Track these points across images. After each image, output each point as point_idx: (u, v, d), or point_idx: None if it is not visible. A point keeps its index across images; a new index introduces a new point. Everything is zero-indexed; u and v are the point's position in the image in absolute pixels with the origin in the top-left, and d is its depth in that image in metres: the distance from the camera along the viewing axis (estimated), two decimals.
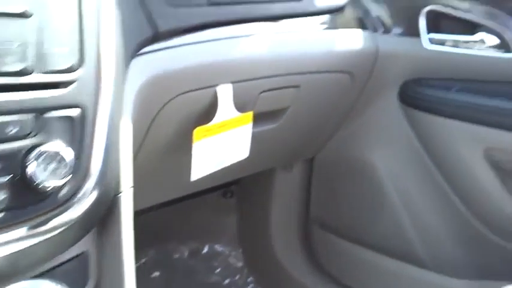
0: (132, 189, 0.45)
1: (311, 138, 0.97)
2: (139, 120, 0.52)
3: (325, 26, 0.83)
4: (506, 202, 0.81)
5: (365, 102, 0.94)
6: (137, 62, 0.50)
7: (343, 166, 1.03)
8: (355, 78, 0.88)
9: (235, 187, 1.16)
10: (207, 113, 0.64)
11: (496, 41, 0.78)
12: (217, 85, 0.63)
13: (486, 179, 0.81)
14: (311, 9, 0.78)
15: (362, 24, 0.88)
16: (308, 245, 1.15)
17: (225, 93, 0.64)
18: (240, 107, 0.68)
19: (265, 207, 1.13)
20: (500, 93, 0.79)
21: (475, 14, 0.79)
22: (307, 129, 0.92)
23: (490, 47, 0.78)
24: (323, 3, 0.81)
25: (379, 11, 0.89)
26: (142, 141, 0.58)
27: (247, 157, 0.75)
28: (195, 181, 0.66)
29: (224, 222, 1.18)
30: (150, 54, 0.52)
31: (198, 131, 0.61)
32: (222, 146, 0.67)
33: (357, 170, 1.00)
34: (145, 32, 0.52)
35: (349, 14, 0.87)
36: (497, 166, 0.80)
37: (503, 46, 0.77)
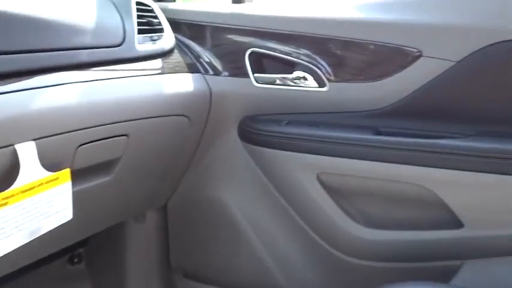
0: None
1: (157, 184, 0.93)
2: None
3: (153, 70, 0.81)
4: (343, 221, 0.87)
5: (208, 143, 0.94)
6: None
7: (196, 209, 1.01)
8: (193, 120, 0.87)
9: (83, 250, 1.04)
10: (7, 176, 0.55)
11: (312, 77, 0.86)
12: (14, 144, 0.55)
13: (323, 202, 0.87)
14: (133, 54, 0.76)
15: (192, 67, 0.89)
16: None
17: (27, 152, 0.56)
18: (53, 164, 0.61)
19: (120, 266, 1.04)
20: (322, 123, 0.86)
21: (290, 54, 0.86)
22: (149, 176, 0.88)
23: (310, 82, 0.86)
24: (147, 48, 0.80)
25: (207, 54, 0.91)
26: None
27: (85, 216, 0.68)
28: (20, 254, 0.56)
29: None
30: None
31: None
32: (32, 212, 0.59)
33: (210, 210, 0.99)
34: None
35: (177, 58, 0.87)
36: (330, 189, 0.87)
37: (318, 81, 0.85)
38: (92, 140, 0.66)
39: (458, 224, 0.78)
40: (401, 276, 0.86)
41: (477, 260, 0.80)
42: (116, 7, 0.76)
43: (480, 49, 0.73)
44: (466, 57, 0.73)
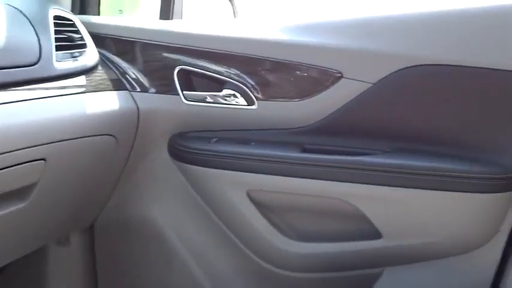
0: None
1: (81, 206, 0.89)
2: None
3: (74, 89, 0.77)
4: (273, 236, 0.89)
5: (136, 161, 0.92)
6: None
7: (125, 228, 0.98)
8: (120, 139, 0.84)
9: None
10: None
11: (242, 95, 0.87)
12: None
13: (254, 218, 0.88)
14: (50, 73, 0.71)
15: (118, 84, 0.86)
16: None
17: None
18: None
19: None
20: (251, 141, 0.88)
21: (219, 72, 0.86)
22: (72, 199, 0.83)
23: (239, 100, 0.87)
24: (67, 66, 0.76)
25: (134, 71, 0.89)
26: None
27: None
28: None
29: None
30: None
31: None
32: None
33: (140, 229, 0.96)
34: None
35: (101, 74, 0.84)
36: (260, 205, 0.88)
37: (246, 99, 0.86)
38: (3, 166, 0.61)
39: (377, 235, 0.83)
40: (329, 285, 0.91)
41: (396, 267, 0.86)
42: (30, 22, 0.71)
43: (394, 72, 0.78)
44: (381, 79, 0.79)
